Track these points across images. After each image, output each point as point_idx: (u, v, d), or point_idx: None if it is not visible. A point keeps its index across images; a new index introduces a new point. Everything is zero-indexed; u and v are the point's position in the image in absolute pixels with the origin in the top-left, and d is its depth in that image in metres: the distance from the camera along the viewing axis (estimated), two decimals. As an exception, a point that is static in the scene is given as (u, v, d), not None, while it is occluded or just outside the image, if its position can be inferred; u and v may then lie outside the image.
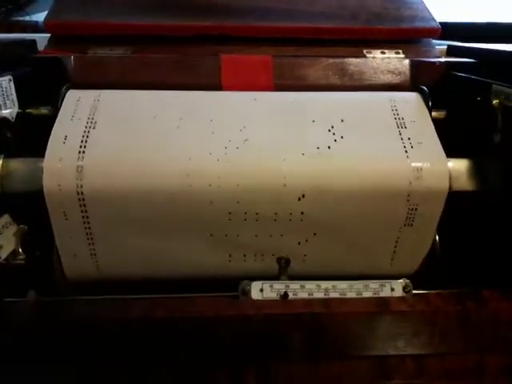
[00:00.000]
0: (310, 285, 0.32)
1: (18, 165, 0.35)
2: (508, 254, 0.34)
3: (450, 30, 0.53)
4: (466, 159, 0.37)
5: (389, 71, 0.43)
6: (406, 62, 0.43)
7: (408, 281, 0.33)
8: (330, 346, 0.31)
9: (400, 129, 0.37)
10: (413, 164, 0.35)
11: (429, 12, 0.50)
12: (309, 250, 0.36)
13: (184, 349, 0.30)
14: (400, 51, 0.46)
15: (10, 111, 0.37)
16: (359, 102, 0.40)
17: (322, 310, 0.30)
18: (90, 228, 0.34)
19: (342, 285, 0.32)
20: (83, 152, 0.34)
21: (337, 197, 0.35)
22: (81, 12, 0.46)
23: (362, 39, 0.47)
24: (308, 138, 0.36)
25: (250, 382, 0.30)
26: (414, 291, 0.33)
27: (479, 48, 0.43)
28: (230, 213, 0.35)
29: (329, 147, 0.35)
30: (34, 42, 0.44)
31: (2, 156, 0.35)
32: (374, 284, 0.33)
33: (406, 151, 0.36)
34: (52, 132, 0.35)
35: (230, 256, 0.37)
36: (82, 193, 0.33)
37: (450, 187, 0.35)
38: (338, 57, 0.43)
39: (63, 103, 0.37)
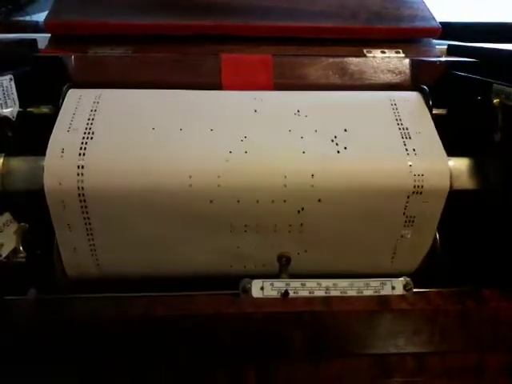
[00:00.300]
0: (311, 283, 0.32)
1: (18, 163, 0.35)
2: (508, 253, 0.34)
3: (450, 30, 0.53)
4: (466, 158, 0.37)
5: (389, 71, 0.43)
6: (407, 61, 0.43)
7: (409, 279, 0.33)
8: (331, 344, 0.31)
9: (400, 128, 0.37)
10: (413, 163, 0.35)
11: (429, 11, 0.50)
12: (310, 248, 0.36)
13: (184, 347, 0.30)
14: (400, 51, 0.46)
15: (10, 110, 0.37)
16: (359, 101, 0.40)
17: (322, 309, 0.30)
18: (90, 226, 0.34)
19: (343, 283, 0.32)
20: (84, 151, 0.34)
21: (338, 196, 0.35)
22: (81, 12, 0.46)
23: (362, 39, 0.47)
24: (307, 136, 0.36)
25: (251, 380, 0.30)
26: (415, 290, 0.33)
27: (479, 47, 0.43)
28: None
29: (329, 146, 0.35)
30: (34, 41, 0.44)
31: (3, 155, 0.35)
32: (374, 282, 0.33)
33: (407, 150, 0.36)
34: (53, 131, 0.35)
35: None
36: (82, 191, 0.33)
37: (451, 186, 0.35)
38: (338, 56, 0.43)
39: (64, 102, 0.37)
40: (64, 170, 0.33)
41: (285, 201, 0.34)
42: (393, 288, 0.33)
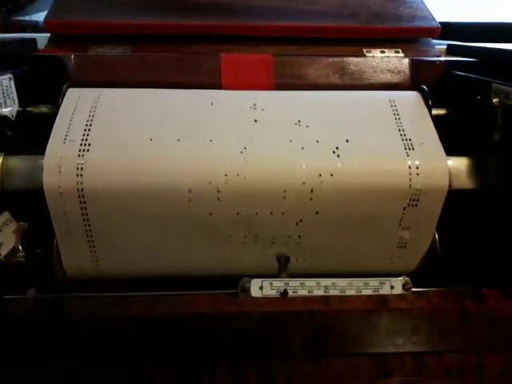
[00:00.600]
0: (310, 282, 0.32)
1: (18, 162, 0.35)
2: (507, 252, 0.34)
3: (449, 30, 0.53)
4: (465, 157, 0.37)
5: (388, 70, 0.43)
6: (406, 61, 0.43)
7: (408, 278, 0.33)
8: (330, 343, 0.31)
9: (400, 128, 0.37)
10: (413, 162, 0.35)
11: (428, 11, 0.50)
12: (310, 237, 0.36)
13: (184, 346, 0.30)
14: (400, 50, 0.46)
15: (10, 109, 0.37)
16: (359, 101, 0.40)
17: (321, 308, 0.30)
18: (89, 225, 0.34)
19: (342, 282, 0.32)
20: (83, 150, 0.34)
21: (337, 195, 0.35)
22: (81, 11, 0.46)
23: (362, 38, 0.47)
24: (308, 147, 0.35)
25: (250, 379, 0.30)
26: (414, 289, 0.33)
27: (479, 47, 0.43)
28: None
29: (330, 159, 0.35)
30: (34, 40, 0.44)
31: (3, 154, 0.35)
32: (373, 282, 0.33)
33: (406, 150, 0.36)
34: (52, 130, 0.35)
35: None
36: (82, 190, 0.33)
37: (450, 185, 0.35)
38: (337, 56, 0.43)
39: (63, 101, 0.37)
40: (63, 169, 0.33)
41: (283, 213, 0.35)
42: (392, 287, 0.33)
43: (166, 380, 0.31)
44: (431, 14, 0.49)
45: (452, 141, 0.37)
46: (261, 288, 0.32)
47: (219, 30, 0.46)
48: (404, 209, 0.35)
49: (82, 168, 0.33)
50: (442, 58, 0.45)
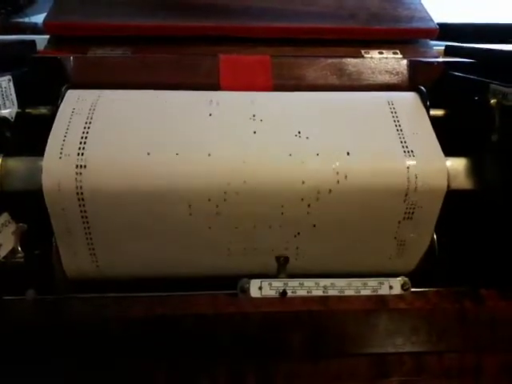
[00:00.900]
0: (309, 282, 0.32)
1: (17, 164, 0.35)
2: (506, 252, 0.34)
3: (447, 31, 0.53)
4: (463, 158, 0.37)
5: (387, 71, 0.43)
6: (404, 62, 0.44)
7: (406, 279, 0.33)
8: (329, 343, 0.31)
9: (398, 128, 0.37)
10: (411, 163, 0.35)
11: (427, 12, 0.50)
12: (308, 248, 0.37)
13: (184, 346, 0.30)
14: (398, 51, 0.47)
15: (9, 111, 0.37)
16: (357, 102, 0.40)
17: (320, 308, 0.30)
18: (89, 227, 0.34)
19: (341, 282, 0.32)
20: (82, 151, 0.34)
21: (336, 197, 0.35)
22: (80, 13, 0.46)
23: (360, 39, 0.47)
24: (309, 161, 0.35)
25: (250, 379, 0.30)
26: (413, 289, 0.33)
27: (477, 48, 0.44)
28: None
29: (330, 175, 0.35)
30: (33, 42, 0.44)
31: (2, 155, 0.35)
32: (372, 282, 0.33)
33: (405, 150, 0.36)
34: (51, 131, 0.35)
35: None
36: (81, 192, 0.33)
37: (448, 186, 0.35)
38: (336, 57, 0.43)
39: (63, 103, 0.37)
40: (63, 170, 0.33)
41: (281, 226, 0.35)
42: (391, 288, 0.33)
43: (166, 380, 0.31)
44: (429, 15, 0.50)
45: (450, 141, 0.37)
46: (260, 288, 0.32)
47: (218, 31, 0.46)
48: (402, 209, 0.35)
49: (81, 169, 0.33)
50: (440, 59, 0.45)
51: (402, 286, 0.33)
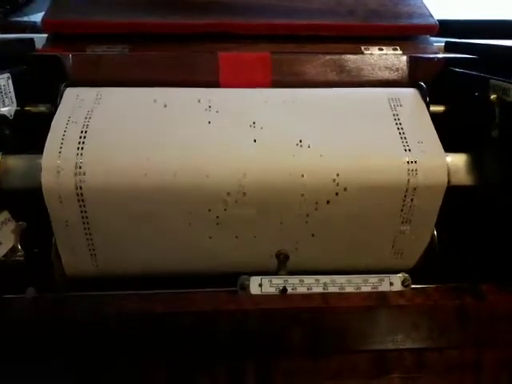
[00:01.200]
0: (309, 279, 0.32)
1: (16, 161, 0.35)
2: (506, 248, 0.34)
3: (447, 27, 0.53)
4: (464, 154, 0.37)
5: (386, 67, 0.43)
6: (404, 58, 0.43)
7: (407, 275, 0.33)
8: (329, 340, 0.31)
9: (398, 125, 0.37)
10: (411, 159, 0.35)
11: (426, 9, 0.50)
12: (309, 246, 0.37)
13: (183, 343, 0.30)
14: (398, 48, 0.46)
15: (8, 109, 0.37)
16: (357, 98, 0.40)
17: (320, 305, 0.30)
18: (88, 224, 0.34)
19: (341, 279, 0.32)
20: (82, 149, 0.34)
21: (336, 193, 0.35)
22: (78, 10, 0.46)
23: (360, 36, 0.47)
24: (308, 176, 0.35)
25: (250, 377, 0.30)
26: (413, 285, 0.33)
27: (477, 44, 0.44)
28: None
29: (329, 189, 0.35)
30: (32, 40, 0.44)
31: (1, 153, 0.35)
32: (372, 278, 0.33)
33: (405, 146, 0.36)
34: (51, 129, 0.35)
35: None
36: (80, 189, 0.33)
37: (449, 182, 0.35)
38: (335, 53, 0.43)
39: (62, 101, 0.37)
40: (62, 168, 0.33)
41: (281, 230, 0.35)
42: (391, 284, 0.33)
43: (166, 378, 0.31)
44: (429, 12, 0.49)
45: (450, 137, 0.37)
46: (260, 285, 0.32)
47: (217, 28, 0.46)
48: (403, 205, 0.35)
49: (80, 167, 0.33)
50: (440, 55, 0.45)
51: (403, 283, 0.33)
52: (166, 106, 0.37)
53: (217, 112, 0.37)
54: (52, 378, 0.30)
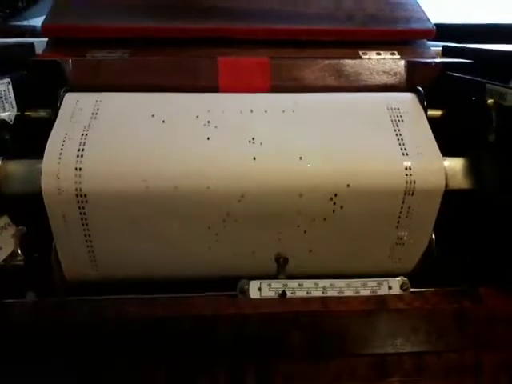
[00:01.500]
0: (308, 283, 0.32)
1: (16, 166, 0.35)
2: (504, 251, 0.34)
3: (445, 31, 0.53)
4: (461, 158, 0.38)
5: (384, 72, 0.44)
6: (402, 62, 0.44)
7: (405, 279, 0.33)
8: (329, 344, 0.31)
9: (396, 129, 0.37)
10: (409, 163, 0.35)
11: (424, 13, 0.50)
12: (307, 250, 0.37)
13: (183, 348, 0.30)
14: (395, 52, 0.47)
15: (8, 114, 0.37)
16: (355, 102, 0.40)
17: (319, 309, 0.30)
18: (88, 229, 0.34)
19: (340, 283, 0.32)
20: (82, 154, 0.34)
21: (333, 211, 0.35)
22: (79, 15, 0.47)
23: (358, 40, 0.47)
24: (307, 193, 0.35)
25: (250, 381, 0.30)
26: (412, 289, 0.33)
27: (474, 48, 0.44)
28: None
29: (327, 206, 0.35)
30: (32, 45, 0.45)
31: (1, 158, 0.35)
32: (371, 282, 0.33)
33: (402, 151, 0.36)
34: (51, 134, 0.35)
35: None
36: (80, 194, 0.33)
37: (446, 186, 0.36)
38: (334, 58, 0.44)
39: (61, 106, 0.37)
40: (62, 172, 0.33)
41: (280, 239, 0.36)
42: (390, 288, 0.33)
43: (166, 382, 0.31)
44: (426, 16, 0.50)
45: (448, 142, 0.37)
46: (259, 289, 0.32)
47: (217, 33, 0.46)
48: (401, 209, 0.35)
49: (80, 172, 0.33)
50: (438, 60, 0.45)
51: (401, 286, 0.33)
52: (164, 121, 0.37)
53: (215, 127, 0.36)
54: (52, 382, 0.30)
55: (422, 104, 0.39)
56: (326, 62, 0.43)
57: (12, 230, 0.36)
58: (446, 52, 0.49)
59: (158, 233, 0.35)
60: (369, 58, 0.45)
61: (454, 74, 0.42)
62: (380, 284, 0.33)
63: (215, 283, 0.33)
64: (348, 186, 0.35)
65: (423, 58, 0.46)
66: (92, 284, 0.36)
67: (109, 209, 0.34)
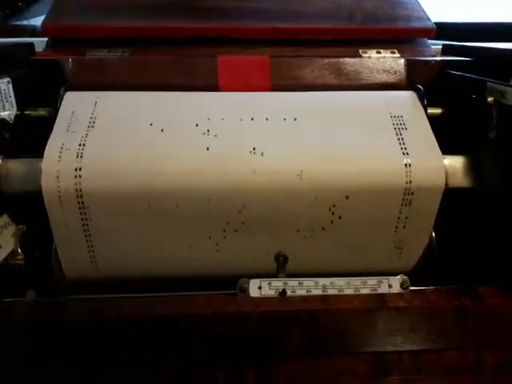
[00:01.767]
0: (308, 282, 0.32)
1: (16, 165, 0.35)
2: (504, 250, 0.34)
3: (445, 30, 0.53)
4: (461, 156, 0.38)
5: (384, 71, 0.44)
6: (402, 61, 0.44)
7: (405, 277, 0.33)
8: (329, 342, 0.31)
9: (396, 127, 0.37)
10: (409, 161, 0.35)
11: (424, 12, 0.50)
12: (308, 249, 0.37)
13: (183, 346, 0.30)
14: (395, 51, 0.47)
15: (8, 113, 0.37)
16: (355, 101, 0.40)
17: (320, 307, 0.30)
18: (88, 228, 0.35)
19: (340, 281, 0.32)
20: (81, 153, 0.34)
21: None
22: (78, 15, 0.47)
23: (358, 39, 0.47)
24: (307, 209, 0.35)
25: (250, 379, 0.30)
26: (412, 287, 0.33)
27: (474, 47, 0.44)
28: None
29: (325, 219, 0.35)
30: (32, 44, 0.45)
31: (1, 157, 0.35)
32: (371, 280, 0.33)
33: (403, 149, 0.36)
34: (51, 133, 0.35)
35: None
36: (80, 193, 0.33)
37: (446, 184, 0.36)
38: (334, 57, 0.44)
39: (61, 105, 0.37)
40: (62, 171, 0.33)
41: (279, 253, 0.37)
42: (390, 286, 0.33)
43: (166, 381, 0.31)
44: (426, 15, 0.50)
45: (448, 140, 0.37)
46: (259, 288, 0.32)
47: (216, 32, 0.46)
48: (401, 208, 0.35)
49: (80, 171, 0.33)
50: (438, 58, 0.45)
51: (401, 285, 0.33)
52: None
53: (215, 136, 0.36)
54: (52, 381, 0.30)
55: (422, 102, 0.39)
56: (326, 60, 0.43)
57: (12, 228, 0.36)
58: (446, 50, 0.49)
59: (157, 234, 0.35)
60: (369, 57, 0.45)
61: (454, 73, 0.42)
62: (380, 282, 0.33)
63: (215, 282, 0.33)
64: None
65: (423, 56, 0.46)
66: (92, 282, 0.36)
67: (108, 208, 0.34)
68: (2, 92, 0.36)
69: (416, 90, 0.41)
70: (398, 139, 0.37)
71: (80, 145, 0.34)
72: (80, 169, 0.33)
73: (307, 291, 0.32)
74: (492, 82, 0.36)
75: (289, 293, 0.32)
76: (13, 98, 0.37)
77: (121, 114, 0.37)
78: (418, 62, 0.44)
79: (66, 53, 0.44)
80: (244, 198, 0.34)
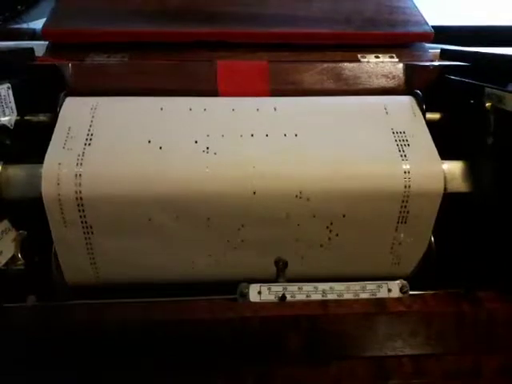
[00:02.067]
0: (308, 287, 0.32)
1: (17, 171, 0.35)
2: (503, 254, 0.34)
3: (443, 34, 0.53)
4: (459, 161, 0.38)
5: (383, 75, 0.44)
6: (400, 65, 0.44)
7: (405, 282, 0.33)
8: (328, 347, 0.31)
9: (394, 132, 0.38)
10: (407, 166, 0.35)
11: (422, 16, 0.50)
12: (307, 253, 0.37)
13: (183, 352, 0.30)
14: (394, 55, 0.47)
15: (8, 118, 0.37)
16: (354, 106, 0.40)
17: (319, 312, 0.31)
18: (88, 234, 0.35)
19: (340, 286, 0.33)
20: (82, 158, 0.34)
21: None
22: (78, 19, 0.47)
23: (357, 44, 0.47)
24: (306, 224, 0.36)
25: (249, 384, 0.30)
26: (411, 292, 0.33)
27: (472, 51, 0.44)
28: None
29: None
30: (31, 49, 0.45)
31: (2, 163, 0.35)
32: (371, 285, 0.33)
33: (401, 154, 0.36)
34: (51, 139, 0.35)
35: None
36: (80, 199, 0.33)
37: (445, 189, 0.36)
38: (332, 61, 0.44)
39: (61, 110, 0.37)
40: (62, 177, 0.33)
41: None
42: (389, 291, 0.33)
43: (166, 386, 0.31)
44: (424, 19, 0.50)
45: (446, 145, 0.37)
46: (259, 293, 0.32)
47: (215, 37, 0.46)
48: (400, 213, 0.36)
49: (80, 176, 0.33)
50: (436, 63, 0.45)
51: (401, 289, 0.33)
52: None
53: (215, 154, 0.35)
54: (52, 385, 0.30)
55: (421, 107, 0.40)
56: (325, 65, 0.43)
57: (12, 234, 0.36)
58: (444, 55, 0.49)
59: (157, 239, 0.35)
60: (367, 62, 0.46)
61: (453, 77, 0.42)
62: (379, 287, 0.33)
63: (215, 285, 0.34)
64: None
65: (421, 60, 0.47)
66: (92, 287, 0.36)
67: (109, 213, 0.34)
68: (2, 97, 0.36)
69: (414, 94, 0.41)
70: (397, 144, 0.37)
71: (80, 151, 0.34)
72: (80, 175, 0.33)
73: (307, 296, 0.32)
74: (490, 88, 0.36)
75: (288, 298, 0.32)
76: (13, 104, 0.37)
77: (120, 119, 0.37)
78: (416, 66, 0.44)
79: (66, 58, 0.44)
80: (244, 218, 0.35)
